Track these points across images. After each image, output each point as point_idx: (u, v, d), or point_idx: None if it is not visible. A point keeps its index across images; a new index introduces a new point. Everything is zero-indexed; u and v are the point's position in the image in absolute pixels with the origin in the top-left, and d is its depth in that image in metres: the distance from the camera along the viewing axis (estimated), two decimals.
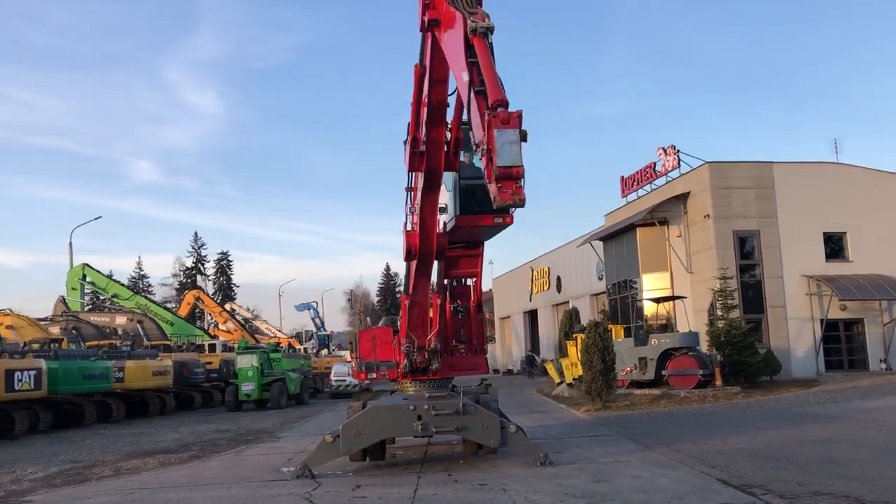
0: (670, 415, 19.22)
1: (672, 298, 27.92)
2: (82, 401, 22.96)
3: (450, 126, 10.70)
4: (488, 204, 7.89)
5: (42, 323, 29.60)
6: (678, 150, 33.60)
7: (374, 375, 13.38)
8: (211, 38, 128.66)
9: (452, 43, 8.37)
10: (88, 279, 39.26)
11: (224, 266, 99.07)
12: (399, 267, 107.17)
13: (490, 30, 7.88)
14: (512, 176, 7.10)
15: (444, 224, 12.08)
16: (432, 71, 9.54)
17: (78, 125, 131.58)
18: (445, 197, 11.91)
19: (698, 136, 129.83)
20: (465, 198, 11.82)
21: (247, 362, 28.87)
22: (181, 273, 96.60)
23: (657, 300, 27.36)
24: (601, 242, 38.42)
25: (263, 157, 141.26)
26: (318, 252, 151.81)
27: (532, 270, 55.74)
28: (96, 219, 45.50)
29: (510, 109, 7.27)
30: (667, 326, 26.46)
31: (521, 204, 7.27)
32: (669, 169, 34.12)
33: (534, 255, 59.53)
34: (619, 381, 24.38)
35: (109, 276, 41.06)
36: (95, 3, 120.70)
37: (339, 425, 11.38)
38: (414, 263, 11.57)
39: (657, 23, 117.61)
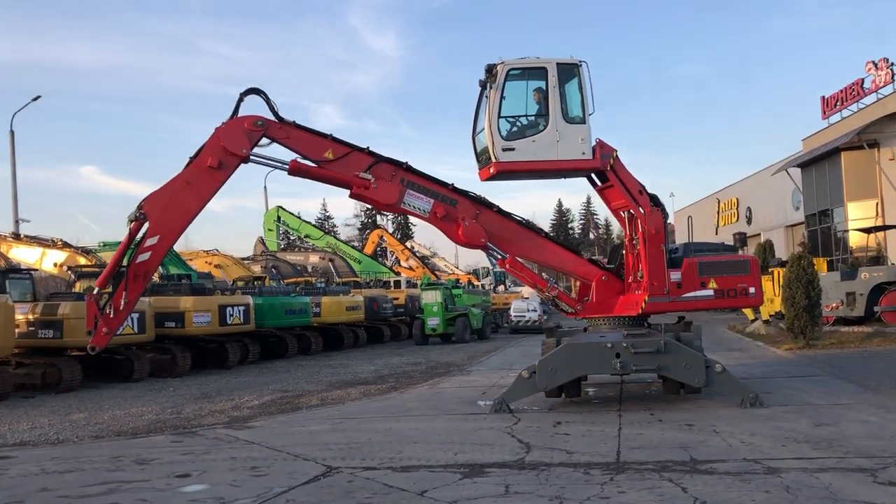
0: (888, 354, 17.54)
1: (885, 228, 25.35)
2: (285, 334, 24.55)
3: None
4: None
5: (245, 262, 31.83)
6: (892, 63, 30.11)
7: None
8: None
9: None
10: (283, 220, 41.73)
11: None
12: (572, 203, 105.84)
13: None
14: None
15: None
16: None
17: (270, 75, 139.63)
18: None
19: None
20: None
21: (431, 298, 29.75)
22: (363, 213, 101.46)
23: (867, 230, 24.88)
24: (799, 169, 35.57)
25: (439, 96, 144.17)
26: (491, 190, 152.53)
27: (718, 202, 52.95)
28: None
29: None
30: (878, 259, 24.08)
31: None
32: (881, 85, 30.70)
33: (720, 186, 56.44)
34: (824, 318, 22.60)
35: (301, 218, 43.34)
36: None
37: (524, 360, 11.31)
38: None
39: None
